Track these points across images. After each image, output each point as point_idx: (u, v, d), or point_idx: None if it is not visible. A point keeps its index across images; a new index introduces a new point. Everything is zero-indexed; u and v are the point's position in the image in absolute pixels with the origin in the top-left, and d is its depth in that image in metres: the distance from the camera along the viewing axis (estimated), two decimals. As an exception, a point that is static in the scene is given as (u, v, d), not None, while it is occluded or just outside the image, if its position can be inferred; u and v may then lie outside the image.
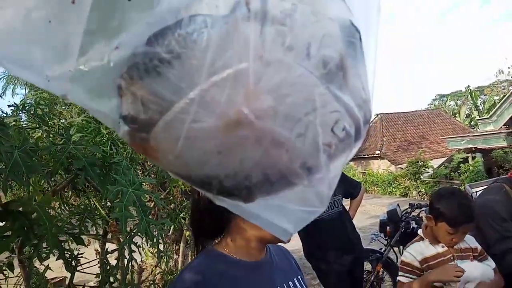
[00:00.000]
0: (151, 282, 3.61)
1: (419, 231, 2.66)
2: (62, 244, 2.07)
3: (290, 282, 1.44)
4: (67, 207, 2.55)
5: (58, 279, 4.86)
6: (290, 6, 0.59)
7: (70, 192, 2.76)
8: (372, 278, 5.77)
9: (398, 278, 2.55)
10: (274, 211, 0.71)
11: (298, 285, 1.47)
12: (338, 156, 0.67)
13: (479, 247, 2.53)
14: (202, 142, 0.60)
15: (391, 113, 31.88)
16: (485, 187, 3.29)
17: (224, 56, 0.56)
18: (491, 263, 2.50)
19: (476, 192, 3.81)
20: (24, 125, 2.78)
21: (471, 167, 17.10)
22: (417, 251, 2.54)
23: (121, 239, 2.61)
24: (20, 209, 1.64)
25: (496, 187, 2.97)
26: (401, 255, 2.68)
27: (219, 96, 0.57)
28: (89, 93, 0.63)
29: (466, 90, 38.75)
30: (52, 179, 2.29)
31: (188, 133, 0.59)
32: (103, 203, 2.54)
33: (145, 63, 0.58)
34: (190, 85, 0.57)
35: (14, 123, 2.43)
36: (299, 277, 1.52)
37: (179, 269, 4.32)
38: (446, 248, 2.47)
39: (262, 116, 0.58)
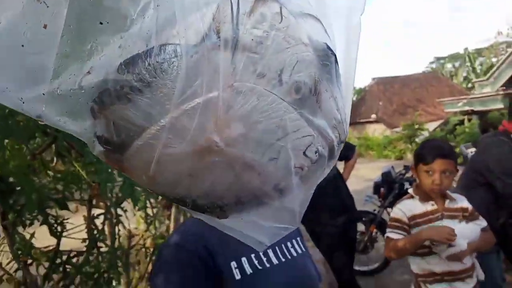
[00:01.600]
0: (142, 246, 3.64)
1: (410, 190, 2.72)
2: (47, 210, 2.08)
3: (288, 243, 1.46)
4: (51, 173, 2.53)
5: (52, 247, 4.87)
6: (262, 34, 0.59)
7: (55, 158, 2.74)
8: (366, 239, 5.88)
9: (387, 234, 2.59)
10: (249, 225, 0.72)
11: (296, 246, 1.48)
12: (311, 176, 0.68)
13: (470, 207, 2.59)
14: (173, 166, 0.61)
15: (387, 77, 31.65)
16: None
17: (194, 85, 0.57)
18: (482, 222, 2.58)
19: (471, 152, 3.85)
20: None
21: (467, 129, 17.11)
22: (407, 207, 2.59)
23: (107, 203, 2.61)
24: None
25: (497, 142, 3.01)
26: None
27: (190, 124, 0.57)
28: (63, 114, 0.63)
29: (464, 52, 38.46)
30: (33, 142, 2.27)
31: (159, 158, 0.60)
32: (90, 169, 2.53)
33: (116, 90, 0.58)
34: (160, 112, 0.58)
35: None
36: (298, 238, 1.53)
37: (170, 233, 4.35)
38: (435, 207, 2.53)
39: (233, 143, 0.59)
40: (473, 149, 3.78)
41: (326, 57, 0.65)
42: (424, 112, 26.18)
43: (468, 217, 2.55)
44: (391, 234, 2.55)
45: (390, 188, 5.94)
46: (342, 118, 0.69)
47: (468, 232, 2.45)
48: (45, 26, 0.59)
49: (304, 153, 0.64)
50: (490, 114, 15.74)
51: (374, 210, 6.10)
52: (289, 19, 0.61)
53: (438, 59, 48.53)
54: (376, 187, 6.22)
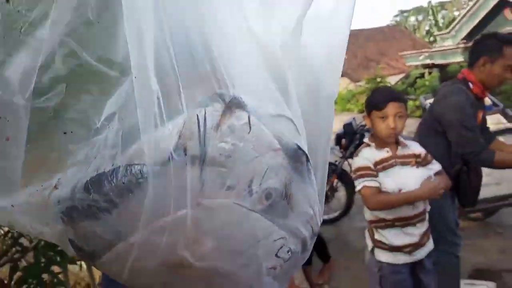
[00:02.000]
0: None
1: (365, 139, 2.74)
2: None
3: None
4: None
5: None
6: (230, 147, 0.58)
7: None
8: (327, 189, 5.94)
9: (363, 183, 2.53)
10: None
11: None
12: (284, 274, 0.68)
13: (423, 153, 2.63)
14: (145, 276, 0.61)
15: (352, 30, 31.27)
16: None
17: (162, 204, 0.56)
18: (434, 166, 2.62)
19: (430, 104, 3.85)
20: None
21: (427, 82, 17.19)
22: (368, 155, 2.61)
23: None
24: None
25: (455, 89, 2.96)
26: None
27: (159, 242, 0.57)
28: (34, 222, 0.63)
29: (428, 5, 38.28)
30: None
31: (131, 269, 0.60)
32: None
33: (84, 208, 0.58)
34: (130, 231, 0.57)
35: None
36: None
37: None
38: (390, 154, 2.55)
39: (204, 258, 0.58)
40: (432, 101, 3.74)
41: (298, 158, 0.64)
42: (386, 66, 26.02)
43: (421, 162, 2.60)
44: (367, 182, 2.52)
45: (351, 139, 5.99)
46: (314, 211, 0.68)
47: (420, 176, 2.51)
48: (7, 138, 0.59)
49: (276, 254, 0.63)
50: (450, 66, 15.85)
51: (336, 161, 6.15)
52: (258, 127, 0.60)
53: (402, 12, 48.14)
54: (338, 138, 6.23)
